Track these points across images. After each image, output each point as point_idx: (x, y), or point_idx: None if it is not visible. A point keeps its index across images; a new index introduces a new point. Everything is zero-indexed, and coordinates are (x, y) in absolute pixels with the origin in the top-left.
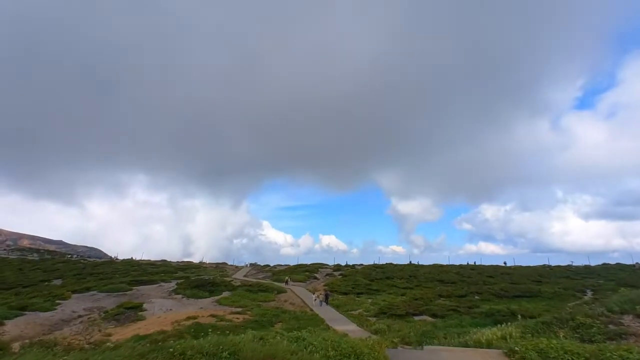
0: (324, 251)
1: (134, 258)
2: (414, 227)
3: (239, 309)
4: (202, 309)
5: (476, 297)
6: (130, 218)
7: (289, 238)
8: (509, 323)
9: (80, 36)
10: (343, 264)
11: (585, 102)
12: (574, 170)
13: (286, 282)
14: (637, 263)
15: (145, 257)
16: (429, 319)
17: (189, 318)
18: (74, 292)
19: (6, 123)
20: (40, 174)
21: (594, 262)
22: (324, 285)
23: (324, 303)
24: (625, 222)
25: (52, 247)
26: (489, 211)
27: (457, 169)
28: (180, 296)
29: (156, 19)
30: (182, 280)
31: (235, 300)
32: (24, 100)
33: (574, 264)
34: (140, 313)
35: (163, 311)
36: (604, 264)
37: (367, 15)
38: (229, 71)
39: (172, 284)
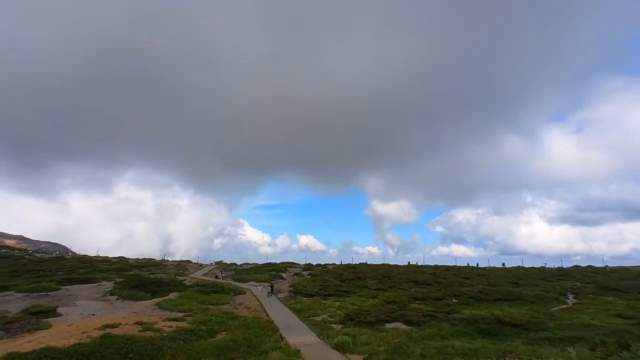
0: (302, 251)
1: (86, 254)
2: (389, 228)
3: (179, 314)
4: (135, 313)
5: (454, 300)
6: (109, 215)
7: (267, 237)
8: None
9: (79, 33)
10: (322, 263)
11: (557, 118)
12: (544, 177)
13: (216, 277)
14: (606, 266)
15: (127, 255)
16: (403, 326)
17: (105, 326)
18: None
19: None
20: (16, 168)
21: (559, 264)
22: (290, 286)
23: (271, 294)
24: (587, 228)
25: (11, 242)
26: (462, 214)
27: (438, 176)
28: (115, 297)
29: (153, 15)
30: (121, 279)
31: (180, 303)
32: (17, 98)
33: (547, 266)
34: (47, 320)
35: (82, 317)
36: (576, 266)
37: (362, 34)
38: (228, 76)
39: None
